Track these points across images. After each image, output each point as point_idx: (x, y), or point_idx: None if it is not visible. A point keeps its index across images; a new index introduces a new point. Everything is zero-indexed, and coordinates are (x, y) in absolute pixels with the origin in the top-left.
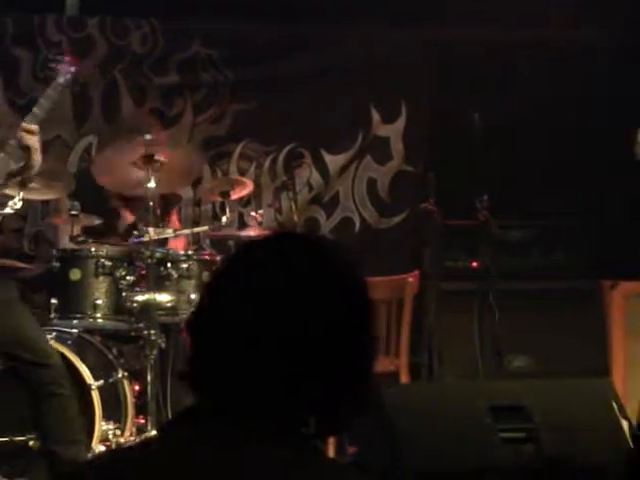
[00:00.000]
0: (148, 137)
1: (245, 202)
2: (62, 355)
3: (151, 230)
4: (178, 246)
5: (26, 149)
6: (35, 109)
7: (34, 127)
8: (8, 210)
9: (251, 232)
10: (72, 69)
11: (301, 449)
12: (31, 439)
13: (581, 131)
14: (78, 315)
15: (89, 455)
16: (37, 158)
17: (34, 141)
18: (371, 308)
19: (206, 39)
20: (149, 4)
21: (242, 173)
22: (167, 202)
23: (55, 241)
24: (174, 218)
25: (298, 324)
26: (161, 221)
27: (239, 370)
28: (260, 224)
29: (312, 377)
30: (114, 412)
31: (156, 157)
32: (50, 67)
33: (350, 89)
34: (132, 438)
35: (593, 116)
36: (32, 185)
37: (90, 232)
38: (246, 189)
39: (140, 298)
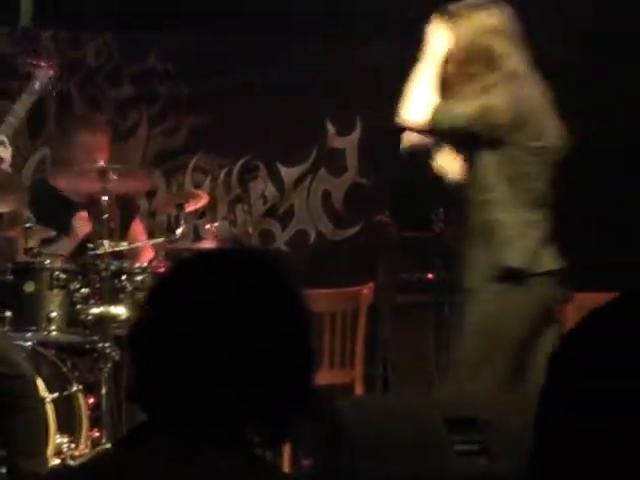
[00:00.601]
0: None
1: (200, 214)
2: None
3: (106, 243)
4: (150, 257)
5: None
6: (9, 117)
7: (3, 138)
8: None
9: (206, 244)
10: (50, 74)
11: (249, 459)
12: None
13: None
14: (32, 328)
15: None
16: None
17: (5, 153)
18: (312, 320)
19: (161, 52)
20: (103, 18)
21: (197, 186)
22: (127, 212)
23: (11, 254)
24: (137, 229)
25: (242, 335)
26: (121, 233)
27: (185, 381)
28: (215, 237)
29: (257, 387)
30: (68, 425)
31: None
32: (26, 71)
33: (305, 102)
34: (86, 451)
35: None
36: None
37: (46, 244)
38: (201, 202)
39: (95, 311)
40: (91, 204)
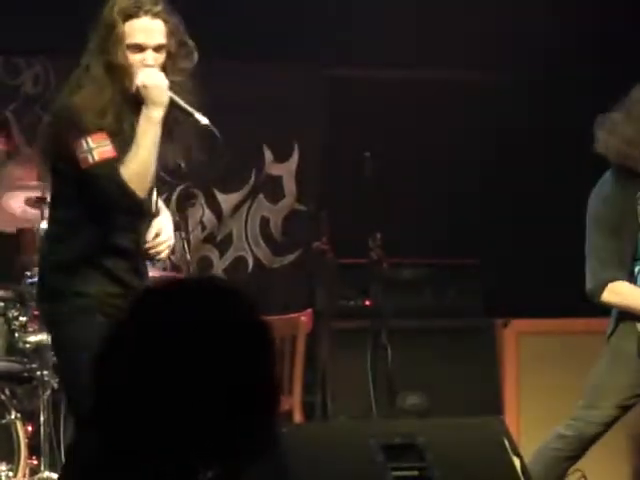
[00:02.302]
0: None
1: None
2: None
3: None
4: None
5: None
6: None
7: None
8: None
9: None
10: None
11: None
12: None
13: (474, 169)
14: None
15: None
16: None
17: None
18: (274, 352)
19: None
20: (40, 42)
21: None
22: None
23: None
24: None
25: (205, 370)
26: None
27: (143, 417)
28: (153, 263)
29: (214, 422)
30: (7, 453)
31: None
32: None
33: (242, 128)
34: (25, 479)
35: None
36: None
37: None
38: None
39: (33, 339)
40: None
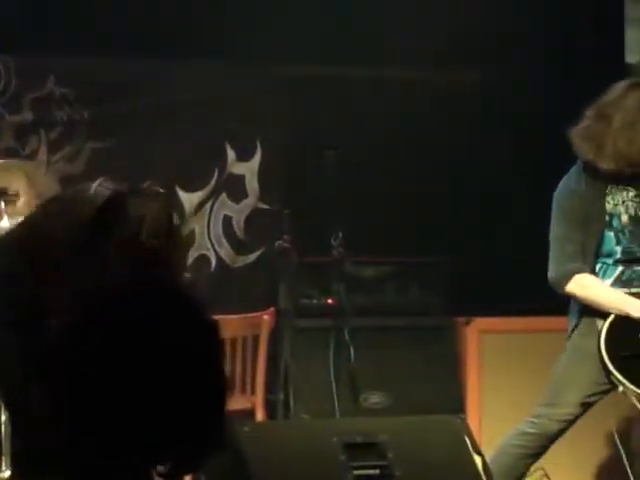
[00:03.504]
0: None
1: None
2: None
3: None
4: None
5: None
6: None
7: None
8: None
9: None
10: None
11: None
12: None
13: (433, 168)
14: None
15: None
16: None
17: None
18: (221, 349)
19: (60, 77)
20: (2, 41)
21: None
22: None
23: None
24: None
25: (154, 369)
26: None
27: (85, 415)
28: None
29: (163, 418)
30: None
31: (10, 191)
32: None
33: (204, 126)
34: None
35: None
36: None
37: None
38: None
39: None
40: None
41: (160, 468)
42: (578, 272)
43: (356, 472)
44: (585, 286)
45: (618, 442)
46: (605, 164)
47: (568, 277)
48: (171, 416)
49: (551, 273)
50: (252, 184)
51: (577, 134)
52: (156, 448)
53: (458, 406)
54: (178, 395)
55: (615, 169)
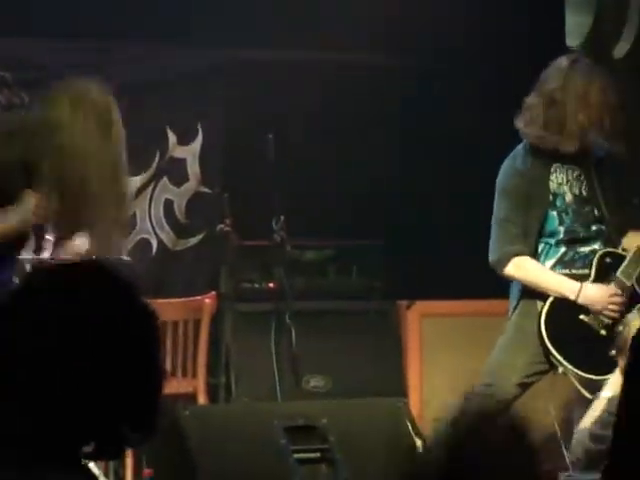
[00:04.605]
0: None
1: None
2: None
3: None
4: None
5: None
6: None
7: None
8: None
9: (46, 255)
10: None
11: (75, 473)
12: None
13: (370, 152)
14: None
15: None
16: None
17: None
18: (159, 333)
19: None
20: None
21: None
22: None
23: None
24: None
25: (88, 350)
26: None
27: (26, 397)
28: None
29: (100, 400)
30: None
31: None
32: None
33: (146, 110)
34: None
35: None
36: None
37: None
38: None
39: None
40: None
41: (86, 448)
42: (517, 254)
43: (297, 455)
44: (524, 268)
45: (556, 424)
46: (570, 146)
47: (507, 259)
48: (98, 398)
49: (491, 255)
50: (193, 168)
51: (523, 117)
52: (81, 429)
53: (399, 389)
54: (108, 377)
55: (562, 150)
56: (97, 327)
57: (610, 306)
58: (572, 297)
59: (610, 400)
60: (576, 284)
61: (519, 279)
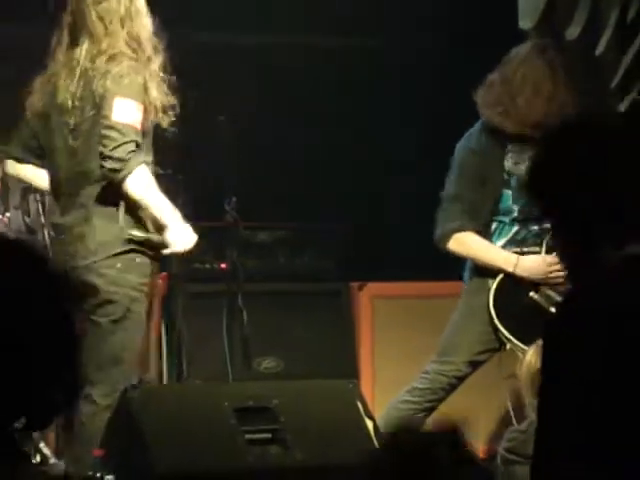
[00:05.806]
0: None
1: None
2: None
3: None
4: None
5: None
6: None
7: None
8: None
9: None
10: None
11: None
12: None
13: (325, 136)
14: None
15: None
16: None
17: None
18: (74, 308)
19: None
20: None
21: None
22: None
23: None
24: None
25: (8, 324)
26: None
27: None
28: (7, 226)
29: (23, 374)
30: None
31: None
32: None
33: None
34: None
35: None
36: None
37: None
38: None
39: None
40: None
41: (17, 424)
42: (459, 230)
43: (248, 436)
44: (465, 244)
45: (508, 400)
46: (510, 127)
47: (449, 235)
48: (20, 373)
49: (436, 230)
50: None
51: (482, 98)
52: (8, 403)
53: (351, 371)
54: (23, 348)
55: (519, 131)
56: (16, 300)
57: (551, 274)
58: (510, 269)
59: None
60: (514, 256)
61: (460, 254)
